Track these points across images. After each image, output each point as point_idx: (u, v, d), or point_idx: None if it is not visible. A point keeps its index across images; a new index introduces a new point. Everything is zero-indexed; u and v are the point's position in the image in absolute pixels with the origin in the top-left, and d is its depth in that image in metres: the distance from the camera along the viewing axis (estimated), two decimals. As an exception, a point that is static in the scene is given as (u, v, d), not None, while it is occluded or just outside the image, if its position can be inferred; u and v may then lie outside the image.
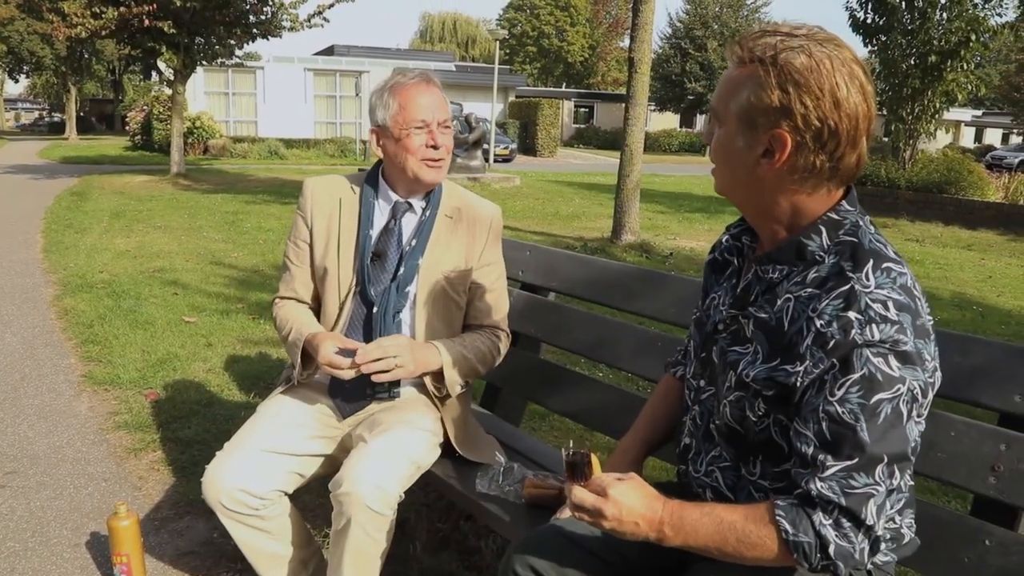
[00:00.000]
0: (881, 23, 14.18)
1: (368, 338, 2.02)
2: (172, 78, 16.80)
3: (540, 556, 1.44)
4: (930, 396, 1.16)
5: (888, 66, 14.13)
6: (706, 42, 39.60)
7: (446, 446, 2.09)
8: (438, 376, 2.00)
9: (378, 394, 2.02)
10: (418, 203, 2.08)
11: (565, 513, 1.55)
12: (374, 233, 2.05)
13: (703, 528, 1.18)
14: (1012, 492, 1.45)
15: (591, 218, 12.21)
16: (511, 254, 2.68)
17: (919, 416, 1.14)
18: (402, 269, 2.01)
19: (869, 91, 1.16)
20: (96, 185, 14.83)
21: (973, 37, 13.12)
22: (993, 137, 47.39)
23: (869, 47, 14.53)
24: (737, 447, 1.31)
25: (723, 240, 1.47)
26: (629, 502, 1.19)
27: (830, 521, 1.12)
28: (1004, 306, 7.02)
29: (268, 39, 16.72)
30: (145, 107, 27.53)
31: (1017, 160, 31.40)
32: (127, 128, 30.46)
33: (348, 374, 1.87)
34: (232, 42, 16.62)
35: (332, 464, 2.07)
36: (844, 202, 1.23)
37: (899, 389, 1.10)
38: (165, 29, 14.88)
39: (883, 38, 14.20)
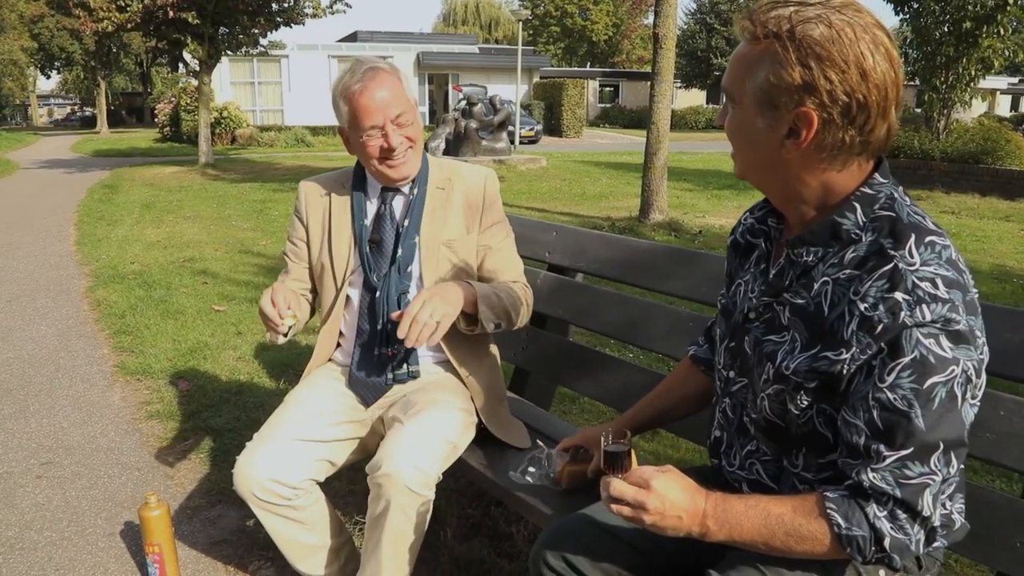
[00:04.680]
0: (914, -11, 13.79)
1: (374, 324, 2.00)
2: (198, 69, 16.91)
3: (572, 545, 1.40)
4: (983, 376, 1.10)
5: (920, 34, 13.72)
6: (732, 16, 38.88)
7: (477, 429, 2.06)
8: (469, 316, 1.88)
9: (398, 378, 2.01)
10: (405, 184, 2.03)
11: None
12: (368, 222, 2.03)
13: (749, 522, 1.13)
14: (1067, 473, 1.38)
15: (618, 197, 12.09)
16: (537, 235, 2.64)
17: (973, 398, 1.08)
18: (400, 250, 1.98)
19: (895, 57, 1.08)
20: (127, 177, 15.02)
21: (1010, 1, 12.66)
22: (1031, 105, 46.07)
23: (900, 15, 14.13)
24: (778, 441, 1.25)
25: (745, 222, 1.40)
26: (672, 495, 1.14)
27: (884, 513, 1.07)
28: (1046, 278, 6.81)
29: (291, 27, 16.74)
30: (173, 99, 27.78)
31: (1057, 128, 30.52)
32: (156, 120, 30.77)
33: (280, 330, 1.81)
34: (256, 31, 16.68)
35: (363, 450, 2.07)
36: (876, 174, 1.15)
37: (953, 371, 1.04)
38: (189, 20, 15.02)
39: (915, 5, 13.78)
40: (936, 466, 1.06)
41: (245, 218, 9.73)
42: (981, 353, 1.08)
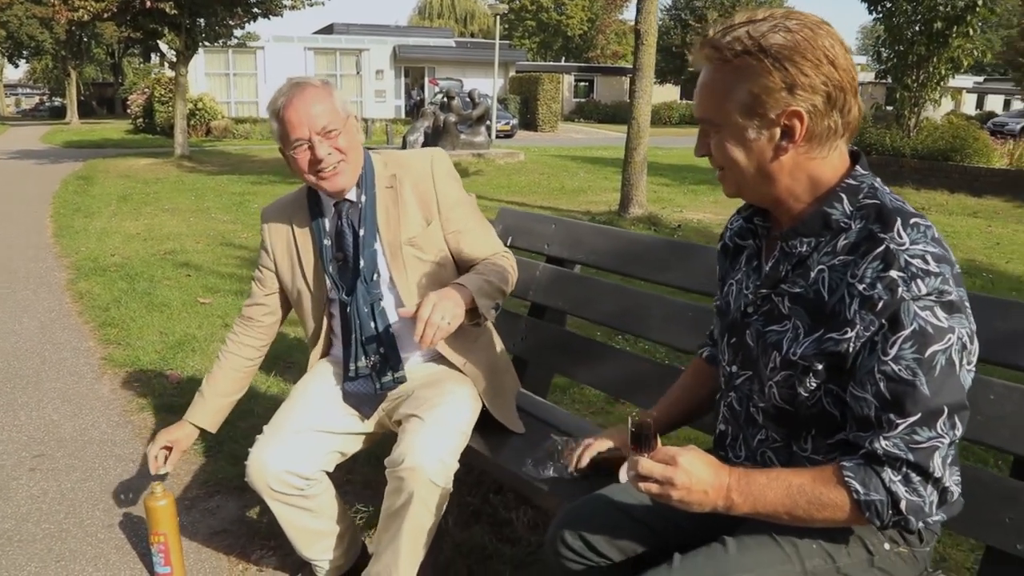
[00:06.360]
0: (887, -11, 13.99)
1: (348, 339, 2.02)
2: (174, 60, 16.69)
3: (589, 525, 1.45)
4: (976, 343, 1.17)
5: (893, 33, 13.93)
6: (706, 12, 39.18)
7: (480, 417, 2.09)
8: (470, 311, 1.88)
9: (386, 386, 2.04)
10: (354, 193, 2.00)
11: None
12: (329, 240, 2.02)
13: (772, 493, 1.18)
14: (1055, 453, 1.45)
15: (597, 192, 12.15)
16: (536, 227, 2.68)
17: (969, 364, 1.16)
18: (361, 262, 1.98)
19: (847, 44, 1.20)
20: (101, 169, 14.80)
21: (980, 2, 12.87)
22: (994, 103, 46.76)
23: (874, 14, 14.34)
24: (788, 426, 1.31)
25: (733, 225, 1.48)
26: (697, 471, 1.19)
27: (899, 477, 1.13)
28: (1014, 272, 7.00)
29: (269, 18, 16.60)
30: (146, 90, 27.32)
31: (1019, 126, 31.17)
32: (129, 111, 30.26)
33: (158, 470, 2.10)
34: (233, 22, 16.50)
35: (370, 441, 2.11)
36: (858, 167, 1.24)
37: (950, 339, 1.12)
38: (167, 10, 14.81)
39: (888, 4, 13.94)
40: (943, 429, 1.12)
41: (224, 211, 9.66)
42: (971, 322, 1.16)
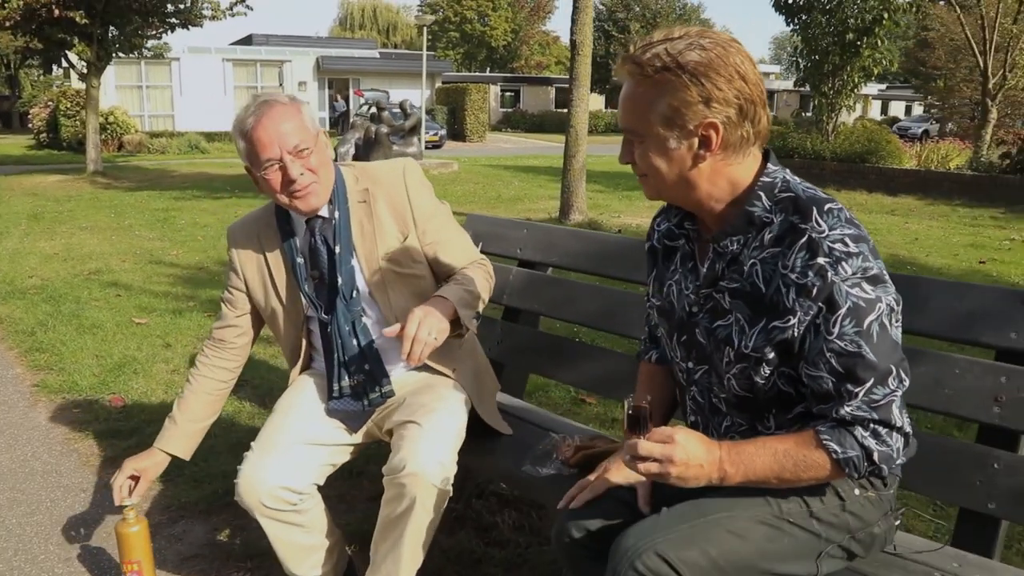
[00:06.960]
0: (802, 3, 14.62)
1: (330, 358, 1.98)
2: (85, 71, 15.90)
3: (591, 517, 1.51)
4: (900, 304, 1.29)
5: (809, 43, 14.62)
6: (629, 23, 40.10)
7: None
8: (453, 323, 1.84)
9: (374, 403, 2.00)
10: (326, 210, 1.94)
11: (616, 473, 1.56)
12: (302, 258, 1.97)
13: (760, 460, 1.28)
14: (1014, 419, 1.60)
15: (534, 200, 12.24)
16: (508, 233, 2.66)
17: (897, 322, 1.28)
18: (340, 279, 1.94)
19: (754, 60, 1.30)
20: (4, 187, 13.95)
21: (885, 15, 13.70)
22: (897, 109, 49.55)
23: (791, 25, 15.00)
24: (749, 411, 1.41)
25: (659, 228, 1.55)
26: (691, 447, 1.27)
27: (868, 433, 1.26)
28: (934, 264, 7.40)
29: (188, 28, 16.03)
30: (50, 103, 26.01)
31: (921, 130, 33.36)
32: (29, 126, 28.76)
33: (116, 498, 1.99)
34: (150, 32, 15.87)
35: (357, 451, 2.07)
36: (769, 164, 1.35)
37: (880, 307, 1.24)
38: (77, 19, 14.10)
39: (804, 17, 14.68)
40: (894, 385, 1.26)
41: (149, 228, 9.29)
42: (892, 286, 1.28)
